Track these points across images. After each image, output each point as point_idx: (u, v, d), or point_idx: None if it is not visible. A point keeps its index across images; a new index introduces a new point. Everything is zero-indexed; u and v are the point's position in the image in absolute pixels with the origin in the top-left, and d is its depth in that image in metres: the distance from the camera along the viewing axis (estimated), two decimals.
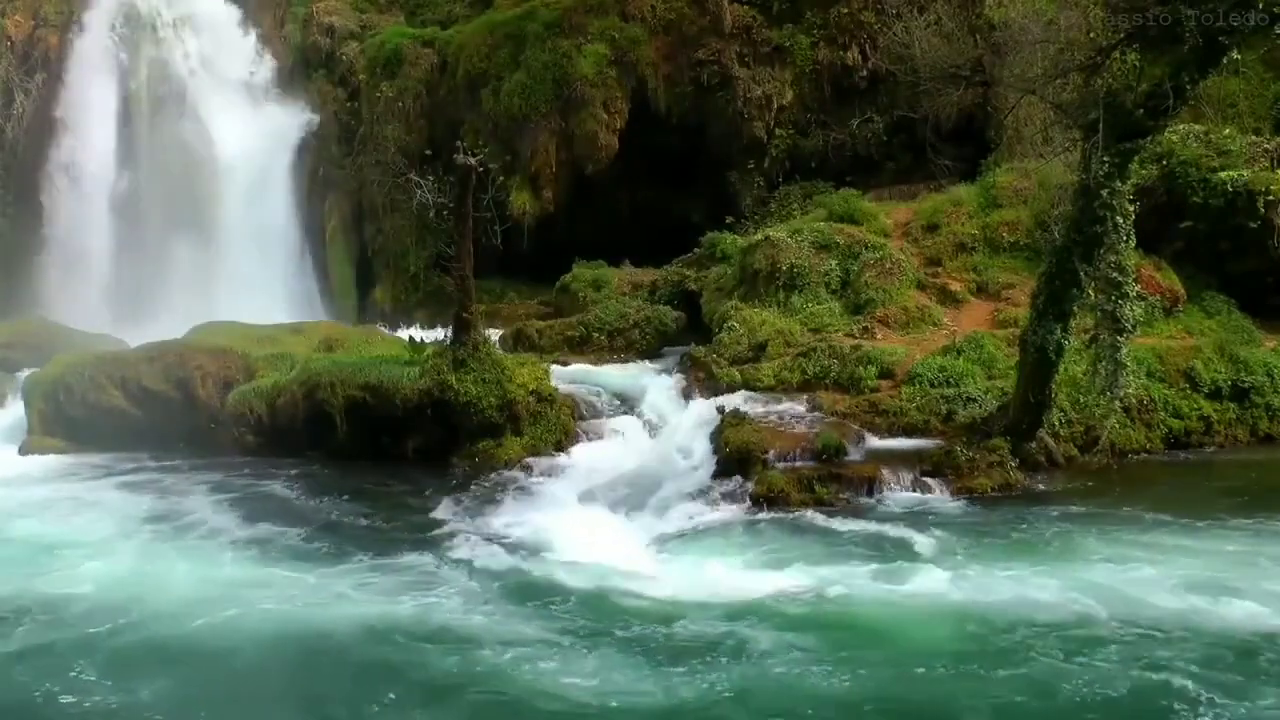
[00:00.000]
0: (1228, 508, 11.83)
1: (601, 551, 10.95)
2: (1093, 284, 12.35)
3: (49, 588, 10.24)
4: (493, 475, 13.94)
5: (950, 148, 22.82)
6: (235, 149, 25.73)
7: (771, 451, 13.26)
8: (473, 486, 13.51)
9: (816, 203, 21.63)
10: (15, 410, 16.92)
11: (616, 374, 17.46)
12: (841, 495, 12.61)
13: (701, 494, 12.72)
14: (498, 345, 16.71)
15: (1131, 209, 12.21)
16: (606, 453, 14.57)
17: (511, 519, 12.26)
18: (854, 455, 13.46)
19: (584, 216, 24.12)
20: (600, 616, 9.38)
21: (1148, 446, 14.41)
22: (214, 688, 8.41)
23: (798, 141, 24.35)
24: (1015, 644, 8.66)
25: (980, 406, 14.29)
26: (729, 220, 23.15)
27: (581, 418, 15.43)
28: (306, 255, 26.43)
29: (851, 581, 10.01)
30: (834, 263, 18.27)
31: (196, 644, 9.03)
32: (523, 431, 14.86)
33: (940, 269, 18.36)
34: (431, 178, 16.06)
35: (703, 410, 14.95)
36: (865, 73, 24.04)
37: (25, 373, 17.47)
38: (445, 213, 15.88)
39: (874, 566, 10.38)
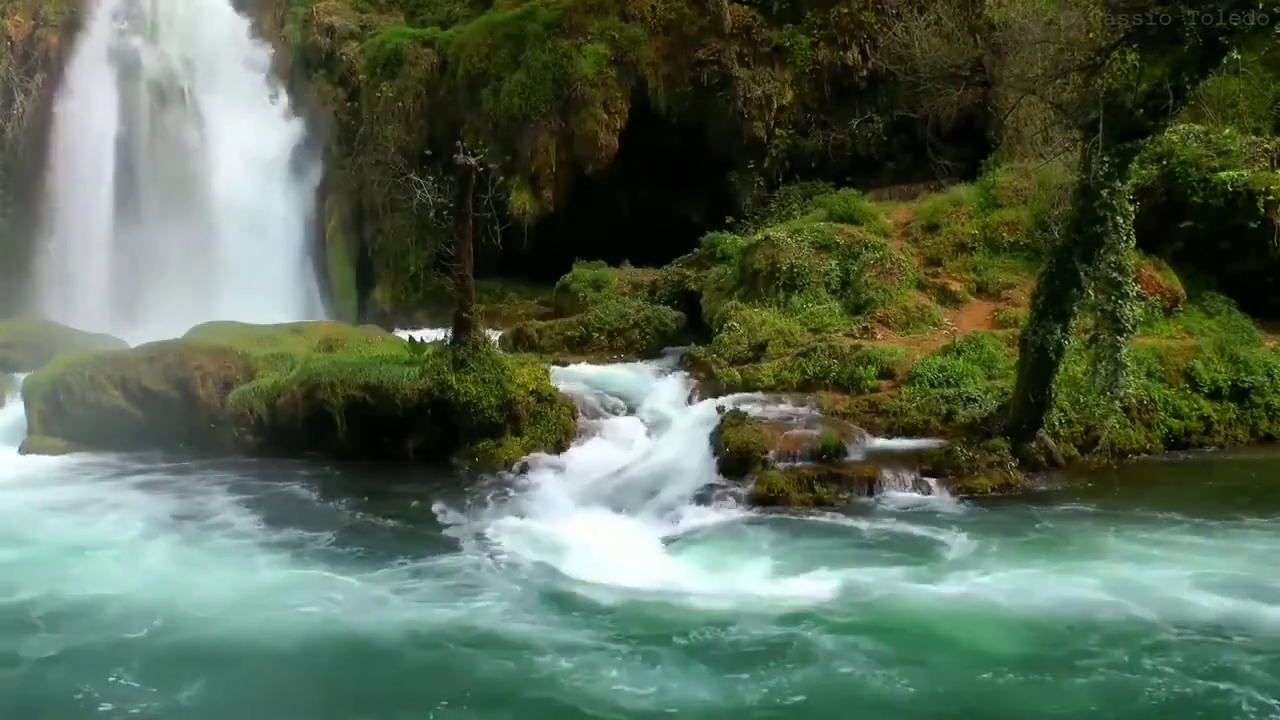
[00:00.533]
0: (1238, 508, 11.81)
1: (619, 555, 10.88)
2: (1093, 284, 12.34)
3: (81, 590, 10.08)
4: (495, 476, 13.96)
5: (950, 148, 22.82)
6: (235, 149, 25.73)
7: (771, 451, 13.26)
8: (480, 488, 13.49)
9: (816, 203, 21.63)
10: (15, 410, 16.90)
11: (616, 374, 17.46)
12: (842, 495, 12.61)
13: (702, 494, 12.71)
14: (498, 345, 16.71)
15: (1131, 209, 12.20)
16: (607, 453, 14.55)
17: (525, 520, 12.21)
18: (854, 455, 13.46)
19: (584, 216, 24.11)
20: (642, 623, 9.18)
21: (1148, 446, 14.41)
22: (258, 692, 8.25)
23: (798, 141, 24.35)
24: (1075, 648, 8.50)
25: (980, 406, 14.29)
26: (729, 220, 23.15)
27: (582, 417, 15.42)
28: (306, 255, 26.42)
29: (889, 584, 9.89)
30: (834, 263, 18.27)
31: (237, 648, 8.86)
32: (523, 431, 14.87)
33: (940, 269, 18.35)
34: (431, 178, 16.06)
35: (703, 410, 14.95)
36: (865, 73, 24.04)
37: (25, 373, 17.45)
38: (445, 213, 15.88)
39: (905, 569, 10.29)
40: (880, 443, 13.98)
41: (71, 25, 27.04)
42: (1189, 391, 14.93)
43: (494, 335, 17.37)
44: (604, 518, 12.28)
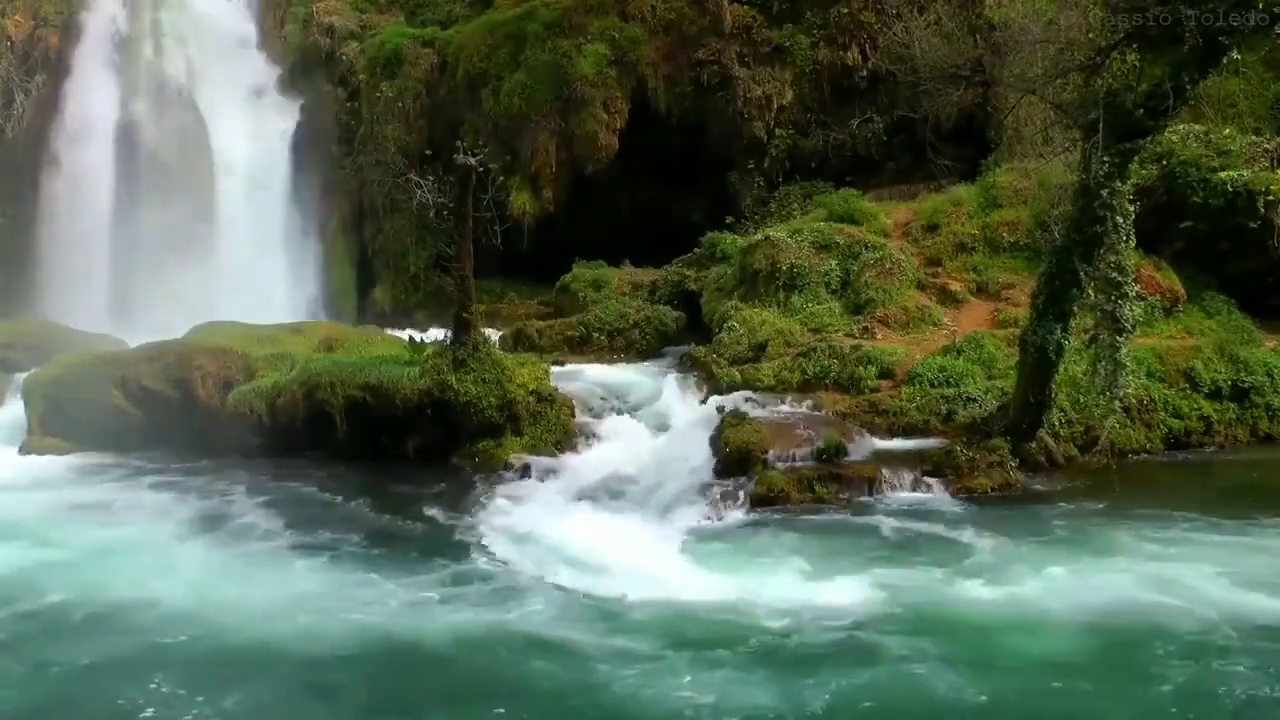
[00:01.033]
0: (1247, 506, 11.81)
1: (639, 558, 10.77)
2: (1093, 284, 12.33)
3: (116, 595, 9.96)
4: (496, 476, 13.93)
5: (950, 148, 22.83)
6: (235, 148, 25.76)
7: (771, 451, 13.26)
8: (483, 488, 13.46)
9: (816, 203, 21.63)
10: (15, 410, 16.90)
11: (616, 374, 17.45)
12: (842, 495, 12.61)
13: (702, 494, 12.69)
14: (498, 345, 16.70)
15: (1131, 209, 12.20)
16: (607, 453, 14.54)
17: (528, 521, 12.14)
18: (854, 455, 13.45)
19: (584, 216, 24.12)
20: (683, 629, 8.98)
21: (1148, 446, 14.40)
22: (304, 699, 8.11)
23: (798, 141, 24.36)
24: (1142, 651, 8.35)
25: (980, 406, 14.29)
26: (729, 220, 23.16)
27: (582, 418, 15.42)
28: (306, 255, 26.44)
29: (927, 586, 9.79)
30: (834, 263, 18.27)
31: (280, 653, 8.71)
32: (523, 431, 14.86)
33: (940, 269, 18.35)
34: (431, 178, 16.03)
35: (703, 410, 14.95)
36: (865, 73, 24.06)
37: (25, 373, 17.45)
38: (445, 213, 15.86)
39: (936, 570, 10.18)
40: (880, 443, 13.97)
41: (71, 25, 27.05)
42: (1189, 391, 14.92)
43: (494, 335, 17.36)
44: (605, 518, 12.24)
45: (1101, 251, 12.18)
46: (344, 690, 8.26)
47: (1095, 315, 12.56)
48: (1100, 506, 12.00)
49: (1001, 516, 11.81)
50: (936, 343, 16.22)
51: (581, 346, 19.33)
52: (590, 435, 15.10)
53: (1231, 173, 17.10)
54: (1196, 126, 18.28)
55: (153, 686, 8.13)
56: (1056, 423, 13.71)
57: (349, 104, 26.99)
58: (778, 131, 24.31)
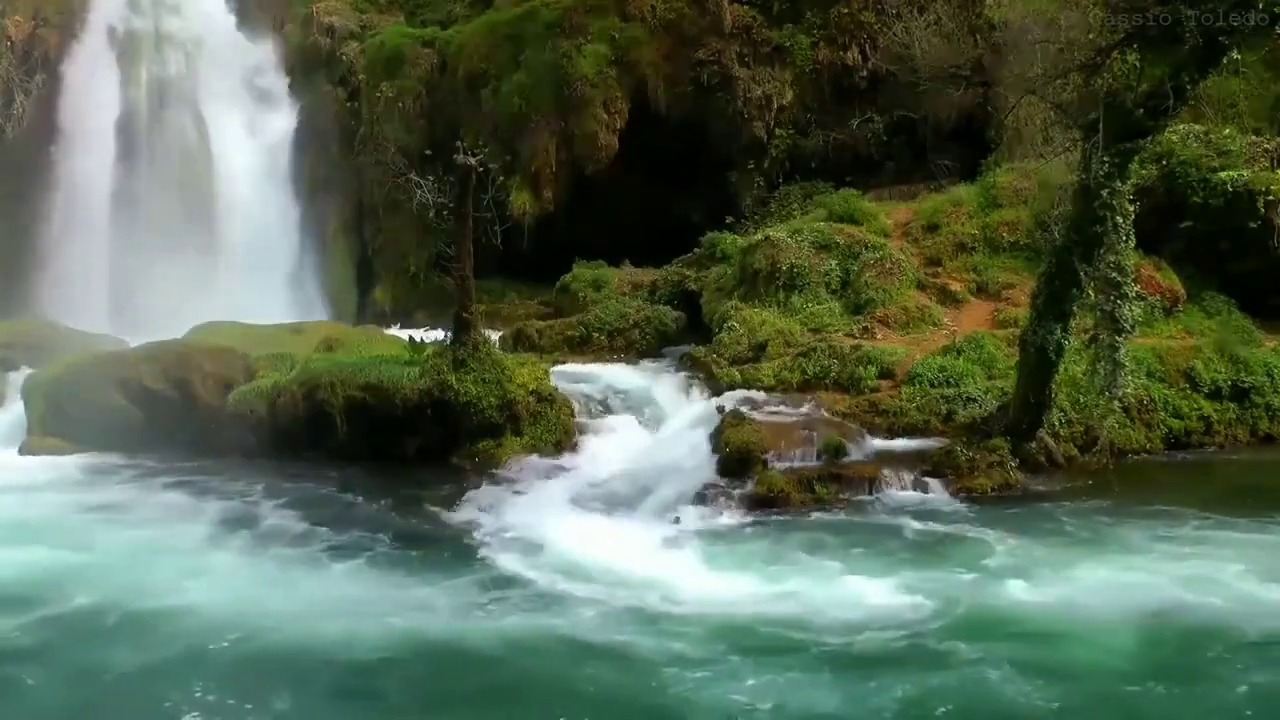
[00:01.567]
0: (1253, 505, 11.76)
1: (655, 560, 10.76)
2: (1092, 284, 12.34)
3: (150, 598, 9.80)
4: (497, 476, 13.90)
5: (950, 148, 22.83)
6: (235, 148, 25.75)
7: (771, 452, 13.26)
8: (485, 489, 13.41)
9: (816, 203, 21.63)
10: (15, 410, 16.89)
11: (616, 374, 17.43)
12: (842, 495, 12.61)
13: (702, 495, 12.68)
14: (498, 345, 16.69)
15: (1131, 209, 12.20)
16: (607, 453, 14.54)
17: (532, 522, 12.09)
18: (854, 455, 13.46)
19: (584, 216, 24.09)
20: (726, 632, 8.83)
21: (1147, 447, 14.41)
22: (351, 703, 8.02)
23: (798, 141, 24.36)
24: (1204, 652, 8.21)
25: (980, 406, 14.29)
26: (729, 220, 23.15)
27: (582, 418, 15.41)
28: (306, 255, 26.42)
29: (963, 587, 9.63)
30: (834, 263, 18.27)
31: (324, 657, 8.59)
32: (523, 431, 14.86)
33: (940, 269, 18.35)
34: (431, 178, 16.03)
35: (703, 410, 14.94)
36: (865, 73, 24.05)
37: (25, 373, 17.44)
38: (445, 213, 15.85)
39: (964, 571, 10.04)
40: (880, 443, 13.98)
41: (71, 25, 27.03)
42: (1189, 391, 14.93)
43: (494, 335, 17.34)
44: (605, 518, 12.25)
45: (1101, 251, 12.19)
46: (388, 694, 8.17)
47: (1095, 315, 12.56)
48: (1104, 506, 11.97)
49: (1006, 516, 11.77)
50: (936, 343, 16.22)
51: (581, 346, 19.31)
52: (590, 435, 15.09)
53: (1231, 173, 17.10)
54: (1196, 126, 18.27)
55: (196, 692, 7.99)
56: (1056, 423, 13.72)
57: (349, 104, 26.97)
58: (778, 131, 24.31)
